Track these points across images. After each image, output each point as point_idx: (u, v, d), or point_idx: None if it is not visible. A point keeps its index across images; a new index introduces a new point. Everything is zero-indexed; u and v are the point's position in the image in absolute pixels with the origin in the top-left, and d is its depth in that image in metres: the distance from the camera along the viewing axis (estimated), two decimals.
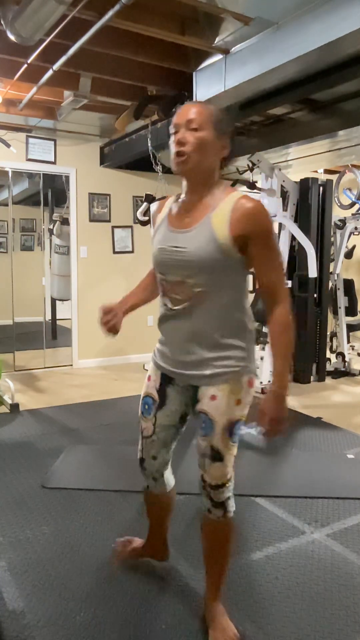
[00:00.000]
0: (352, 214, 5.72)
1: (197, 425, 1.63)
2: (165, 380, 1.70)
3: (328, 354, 5.50)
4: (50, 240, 6.15)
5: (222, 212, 1.49)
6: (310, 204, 5.03)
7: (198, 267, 1.51)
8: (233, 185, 5.59)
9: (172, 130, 1.54)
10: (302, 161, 5.56)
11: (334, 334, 5.82)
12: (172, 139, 1.53)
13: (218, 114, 1.54)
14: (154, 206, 1.76)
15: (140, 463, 1.82)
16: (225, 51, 3.37)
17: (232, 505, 1.65)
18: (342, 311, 5.64)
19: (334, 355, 5.73)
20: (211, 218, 1.50)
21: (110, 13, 2.71)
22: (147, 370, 1.83)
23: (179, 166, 1.53)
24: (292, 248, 5.15)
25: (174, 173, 1.56)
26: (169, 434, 1.76)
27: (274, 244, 1.53)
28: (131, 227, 6.04)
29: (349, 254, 6.35)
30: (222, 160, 1.57)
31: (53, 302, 6.43)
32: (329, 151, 5.09)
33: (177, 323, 1.60)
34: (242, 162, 5.28)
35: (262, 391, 4.79)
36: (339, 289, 5.63)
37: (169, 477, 1.88)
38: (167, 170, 5.25)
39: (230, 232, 1.46)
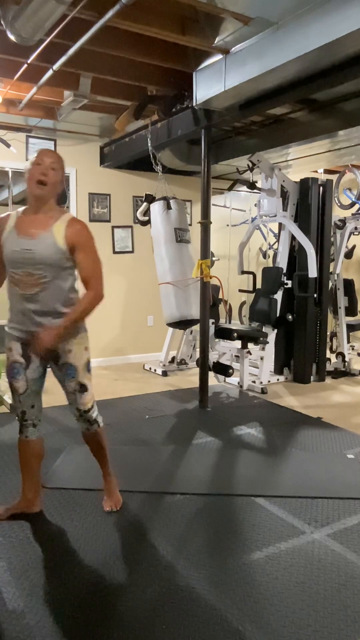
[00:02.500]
0: (352, 214, 5.71)
1: (63, 373, 2.30)
2: (26, 346, 2.26)
3: (328, 354, 5.50)
4: None
5: (59, 226, 2.17)
6: (310, 204, 5.03)
7: (42, 263, 2.14)
8: (233, 185, 5.61)
9: (35, 163, 2.17)
10: (302, 161, 5.57)
11: (334, 334, 5.82)
12: (34, 171, 2.16)
13: (64, 164, 2.25)
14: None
15: (23, 416, 2.37)
16: (225, 51, 3.37)
17: (101, 419, 2.44)
18: (342, 311, 5.64)
19: (334, 355, 5.73)
20: (52, 230, 2.16)
21: (110, 13, 2.71)
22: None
23: (38, 191, 2.17)
24: (292, 248, 5.15)
25: (34, 195, 2.20)
26: (38, 384, 2.37)
27: (91, 249, 2.21)
28: (131, 227, 6.04)
29: (349, 254, 6.35)
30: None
31: None
32: (329, 151, 5.10)
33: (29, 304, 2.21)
34: (242, 162, 5.29)
35: (262, 391, 4.80)
36: (339, 289, 5.63)
37: (40, 429, 2.46)
38: (167, 170, 5.26)
39: (66, 240, 2.16)
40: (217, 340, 5.06)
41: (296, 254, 5.14)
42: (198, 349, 4.74)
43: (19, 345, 2.29)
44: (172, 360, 5.64)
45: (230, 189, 5.54)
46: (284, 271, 5.03)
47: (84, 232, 2.20)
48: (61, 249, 2.16)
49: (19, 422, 2.41)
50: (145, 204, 5.21)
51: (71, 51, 3.20)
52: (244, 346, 4.91)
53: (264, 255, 7.48)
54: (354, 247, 6.47)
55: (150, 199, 5.08)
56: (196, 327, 4.95)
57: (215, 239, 5.65)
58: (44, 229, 2.17)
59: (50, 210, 2.22)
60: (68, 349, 2.27)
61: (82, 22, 2.91)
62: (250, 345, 5.00)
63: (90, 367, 2.37)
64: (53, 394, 4.79)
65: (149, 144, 4.73)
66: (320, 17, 2.72)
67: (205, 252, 4.22)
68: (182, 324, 4.95)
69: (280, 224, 5.24)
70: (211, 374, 4.73)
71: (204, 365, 4.38)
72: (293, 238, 5.06)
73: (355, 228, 5.60)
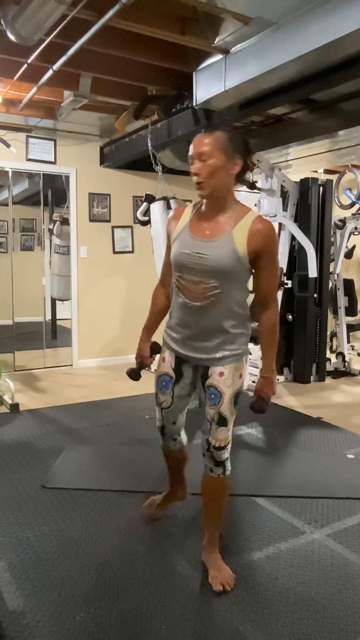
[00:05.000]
0: (352, 214, 5.71)
1: (206, 396, 1.95)
2: (179, 360, 2.01)
3: (328, 354, 5.50)
4: (50, 240, 6.15)
5: (241, 228, 1.81)
6: (310, 204, 5.03)
7: (217, 272, 1.81)
8: None
9: (189, 161, 1.83)
10: (302, 161, 5.56)
11: (334, 334, 5.82)
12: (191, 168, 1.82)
13: (225, 139, 1.80)
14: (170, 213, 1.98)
15: (162, 430, 2.14)
16: (225, 51, 3.36)
17: (229, 466, 1.99)
18: (342, 311, 5.64)
19: (334, 355, 5.73)
20: (232, 233, 1.81)
21: (110, 13, 2.71)
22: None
23: (199, 192, 1.83)
24: (292, 248, 5.14)
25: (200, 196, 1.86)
26: (184, 402, 2.09)
27: (276, 260, 1.91)
28: (131, 227, 6.04)
29: (349, 254, 6.34)
30: (237, 175, 1.86)
31: (53, 302, 6.42)
32: (329, 151, 5.09)
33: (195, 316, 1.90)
34: None
35: None
36: (339, 289, 5.63)
37: (184, 436, 2.21)
38: (167, 170, 5.25)
39: (248, 246, 1.80)
40: None
41: (296, 254, 5.14)
42: None
43: (174, 357, 2.02)
44: None
45: None
46: (284, 271, 5.02)
47: (271, 236, 1.84)
48: (241, 257, 1.80)
49: (160, 433, 2.18)
50: (145, 204, 5.20)
51: (71, 51, 3.20)
52: None
53: None
54: (354, 247, 6.47)
55: (150, 199, 5.07)
56: None
57: None
58: (223, 231, 1.82)
59: (229, 208, 1.86)
60: (220, 370, 1.92)
61: (82, 22, 2.90)
62: (251, 345, 4.98)
63: (240, 400, 1.98)
64: (54, 393, 4.80)
65: (149, 144, 4.73)
66: (320, 17, 2.72)
67: None
68: None
69: (280, 224, 5.24)
70: None
71: None
72: (293, 238, 5.06)
73: (355, 228, 5.60)
